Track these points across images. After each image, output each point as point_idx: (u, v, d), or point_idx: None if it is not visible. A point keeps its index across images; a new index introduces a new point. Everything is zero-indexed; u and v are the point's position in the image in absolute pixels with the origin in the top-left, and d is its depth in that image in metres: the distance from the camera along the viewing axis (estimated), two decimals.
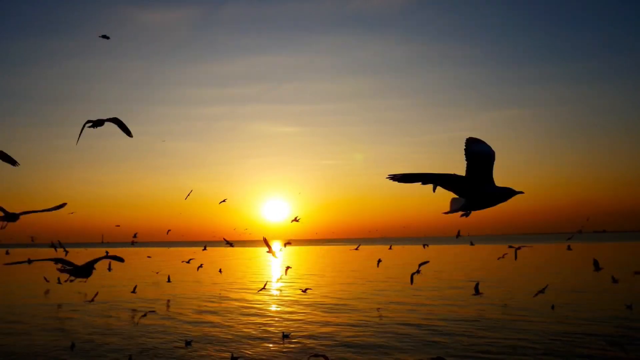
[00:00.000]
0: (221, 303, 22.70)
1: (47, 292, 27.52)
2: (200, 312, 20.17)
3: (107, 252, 7.95)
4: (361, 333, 15.32)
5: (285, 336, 14.65)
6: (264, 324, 17.24)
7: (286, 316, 18.98)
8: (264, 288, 21.70)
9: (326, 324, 17.03)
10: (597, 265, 14.41)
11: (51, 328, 17.06)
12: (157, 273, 37.16)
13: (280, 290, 27.83)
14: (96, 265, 5.79)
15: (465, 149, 3.40)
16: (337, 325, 16.77)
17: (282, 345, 13.89)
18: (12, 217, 5.55)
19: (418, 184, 3.04)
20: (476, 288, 14.39)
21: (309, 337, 14.97)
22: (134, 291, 23.90)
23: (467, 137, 3.48)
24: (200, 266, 30.24)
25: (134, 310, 20.73)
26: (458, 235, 18.82)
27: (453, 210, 3.41)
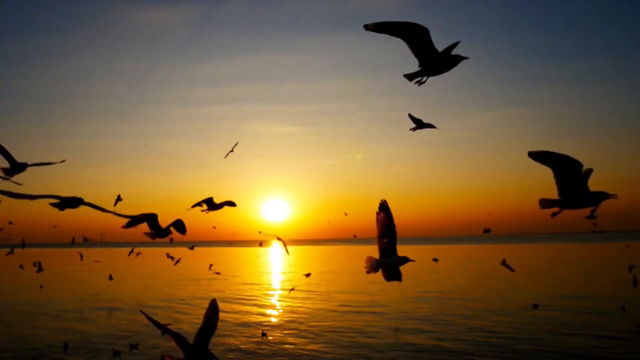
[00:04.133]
0: (204, 299, 22.26)
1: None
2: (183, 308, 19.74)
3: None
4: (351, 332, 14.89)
5: (264, 334, 14.22)
6: (246, 321, 16.87)
7: (269, 314, 18.55)
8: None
9: (309, 322, 16.63)
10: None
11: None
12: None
13: (268, 289, 27.42)
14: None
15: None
16: (322, 324, 16.34)
17: (262, 343, 13.49)
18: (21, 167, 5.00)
19: None
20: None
21: (289, 335, 14.60)
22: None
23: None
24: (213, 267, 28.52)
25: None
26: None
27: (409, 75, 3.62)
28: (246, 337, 14.34)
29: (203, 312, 4.07)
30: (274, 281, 33.97)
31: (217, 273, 27.55)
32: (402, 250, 3.97)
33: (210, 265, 27.94)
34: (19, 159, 4.81)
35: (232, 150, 12.35)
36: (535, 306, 16.84)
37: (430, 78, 3.51)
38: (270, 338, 14.05)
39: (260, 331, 14.65)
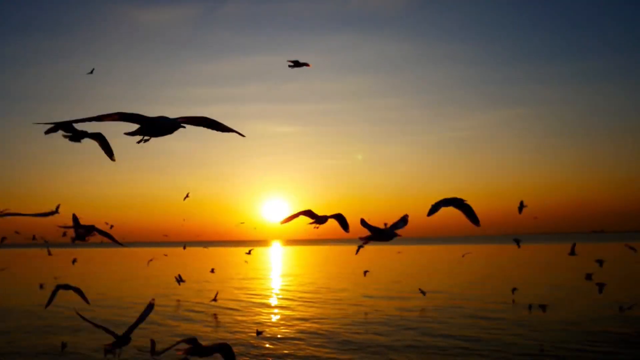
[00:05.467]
0: (199, 299, 22.24)
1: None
2: (178, 310, 19.71)
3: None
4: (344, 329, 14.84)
5: (259, 333, 14.18)
6: (240, 321, 16.83)
7: (263, 314, 18.51)
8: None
9: (302, 321, 16.59)
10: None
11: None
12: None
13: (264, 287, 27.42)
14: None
15: None
16: (313, 324, 16.30)
17: (254, 342, 13.45)
18: None
19: None
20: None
21: (284, 334, 14.60)
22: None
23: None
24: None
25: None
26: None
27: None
28: (241, 336, 14.34)
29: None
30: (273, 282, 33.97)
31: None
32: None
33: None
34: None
35: (187, 196, 13.35)
36: (530, 307, 16.79)
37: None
38: (266, 337, 14.03)
39: (255, 330, 14.65)
